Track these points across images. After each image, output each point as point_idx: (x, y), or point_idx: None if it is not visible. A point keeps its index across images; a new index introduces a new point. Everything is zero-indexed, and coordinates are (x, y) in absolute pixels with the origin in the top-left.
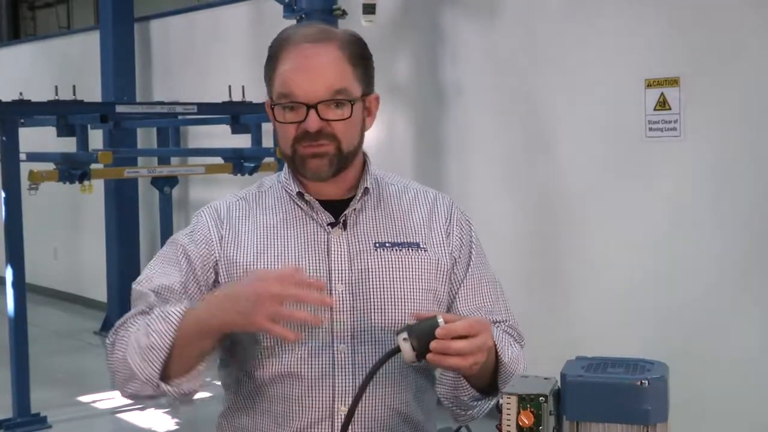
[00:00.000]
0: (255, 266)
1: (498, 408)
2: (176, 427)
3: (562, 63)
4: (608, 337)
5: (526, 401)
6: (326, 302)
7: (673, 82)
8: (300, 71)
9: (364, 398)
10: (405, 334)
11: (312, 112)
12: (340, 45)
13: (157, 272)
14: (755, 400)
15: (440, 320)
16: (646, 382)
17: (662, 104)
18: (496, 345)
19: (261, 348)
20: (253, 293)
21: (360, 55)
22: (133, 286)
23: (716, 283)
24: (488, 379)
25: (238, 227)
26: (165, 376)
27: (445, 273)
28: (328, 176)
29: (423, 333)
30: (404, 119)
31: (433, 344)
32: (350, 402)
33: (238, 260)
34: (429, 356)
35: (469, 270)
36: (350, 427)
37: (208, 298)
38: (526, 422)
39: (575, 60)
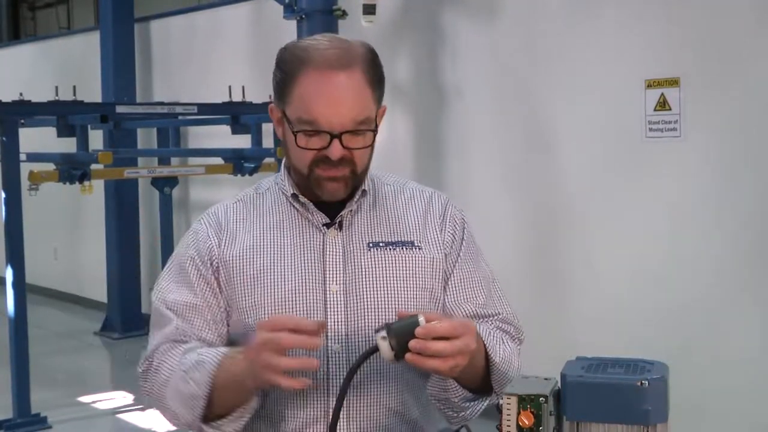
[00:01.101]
0: (251, 268)
1: (498, 408)
2: (176, 427)
3: (562, 63)
4: (608, 337)
5: (526, 401)
6: (315, 344)
7: (673, 82)
8: (326, 100)
9: (358, 398)
10: (383, 333)
11: (335, 141)
12: (362, 69)
13: (173, 289)
14: (755, 400)
15: (421, 319)
16: (646, 382)
17: (662, 104)
18: (485, 345)
19: None
20: (249, 349)
21: (379, 77)
22: (153, 299)
23: (716, 283)
24: (479, 380)
25: (235, 230)
26: (206, 416)
27: (440, 271)
28: (343, 197)
29: (402, 332)
30: (404, 119)
31: (411, 344)
32: (344, 402)
33: (235, 263)
34: (407, 356)
35: (458, 264)
36: (346, 427)
37: (241, 355)
38: (527, 422)
39: (575, 60)
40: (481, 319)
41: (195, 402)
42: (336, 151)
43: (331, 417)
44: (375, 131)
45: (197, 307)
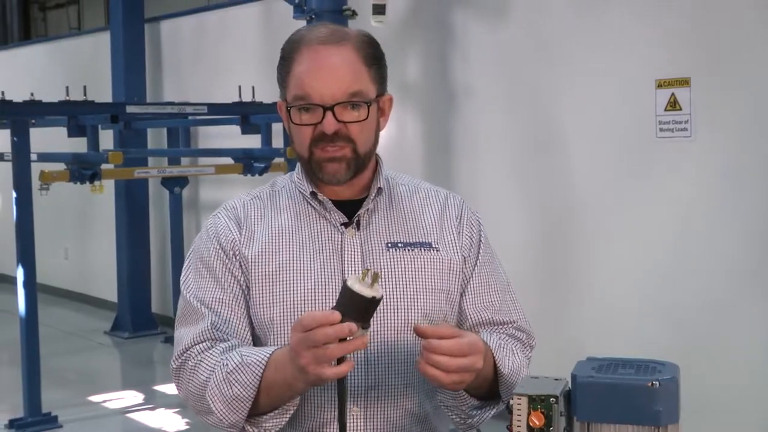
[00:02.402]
0: (269, 266)
1: (508, 408)
2: (186, 427)
3: (572, 63)
4: (619, 338)
5: (536, 402)
6: (351, 329)
7: (684, 82)
8: (316, 73)
9: (377, 399)
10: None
11: (329, 114)
12: (354, 46)
13: (201, 286)
14: (765, 399)
15: (350, 282)
16: (657, 383)
17: (673, 104)
18: (494, 356)
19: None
20: (290, 351)
21: (374, 56)
22: (184, 292)
23: (727, 283)
24: (487, 389)
25: (253, 226)
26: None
27: (457, 273)
28: (346, 180)
29: (349, 308)
30: (414, 119)
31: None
32: (361, 402)
33: (253, 259)
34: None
35: (476, 269)
36: (364, 427)
37: (288, 356)
38: (537, 423)
39: (586, 60)
40: (496, 326)
41: (240, 404)
42: (329, 124)
43: (348, 416)
44: (369, 104)
45: (227, 302)
